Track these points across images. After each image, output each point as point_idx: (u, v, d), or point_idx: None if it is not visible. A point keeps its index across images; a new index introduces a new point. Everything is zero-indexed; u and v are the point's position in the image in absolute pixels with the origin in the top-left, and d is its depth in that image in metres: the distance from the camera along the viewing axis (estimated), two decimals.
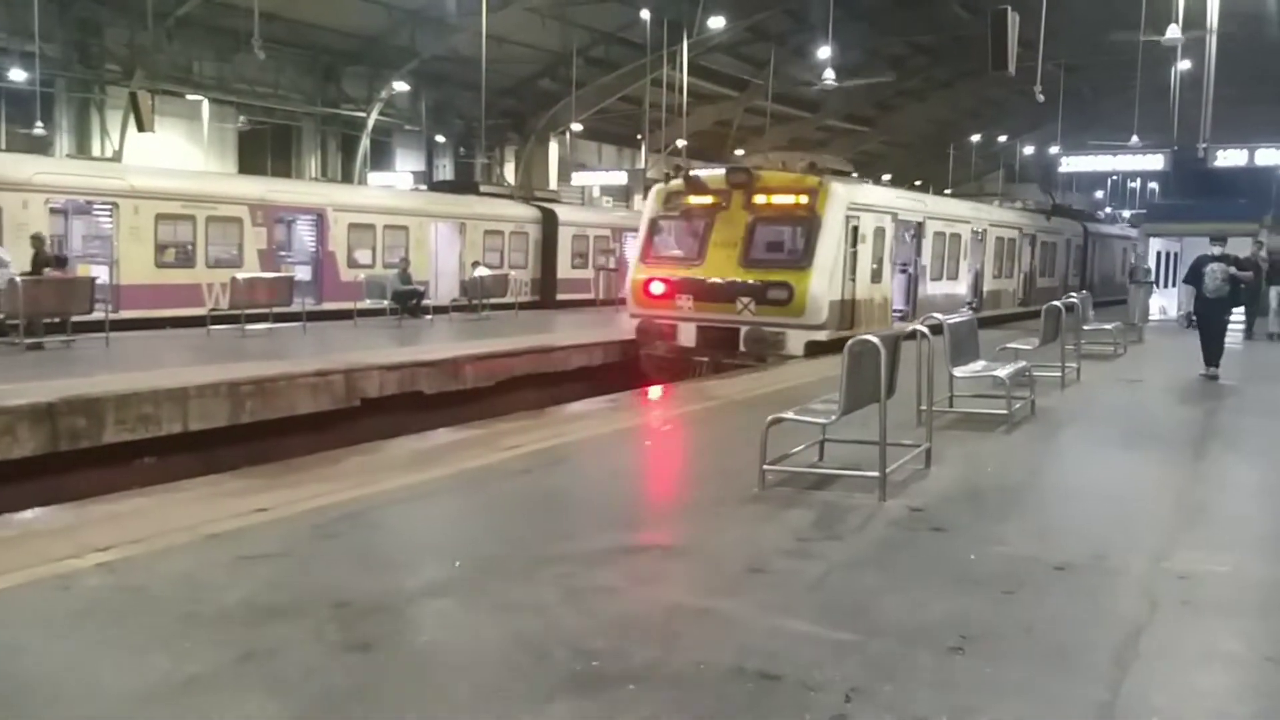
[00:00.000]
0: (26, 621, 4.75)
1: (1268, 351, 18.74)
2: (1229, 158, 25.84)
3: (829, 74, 31.75)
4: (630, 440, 9.68)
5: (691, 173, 19.18)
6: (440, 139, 42.91)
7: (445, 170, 42.93)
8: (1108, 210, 59.71)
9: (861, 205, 18.67)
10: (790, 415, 7.56)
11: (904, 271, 21.23)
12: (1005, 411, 10.34)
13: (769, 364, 16.53)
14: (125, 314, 18.46)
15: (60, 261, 17.09)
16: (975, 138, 61.72)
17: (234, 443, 11.67)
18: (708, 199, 18.21)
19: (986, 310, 24.40)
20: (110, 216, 19.62)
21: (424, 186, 34.56)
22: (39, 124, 27.93)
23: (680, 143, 39.88)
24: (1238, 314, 17.40)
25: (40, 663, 4.27)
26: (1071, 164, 33.99)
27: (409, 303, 22.07)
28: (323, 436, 11.85)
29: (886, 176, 41.16)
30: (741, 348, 17.39)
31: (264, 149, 36.69)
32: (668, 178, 19.27)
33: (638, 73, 38.91)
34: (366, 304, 21.72)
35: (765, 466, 7.36)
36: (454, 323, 22.19)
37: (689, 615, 4.96)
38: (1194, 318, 15.18)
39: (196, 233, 20.85)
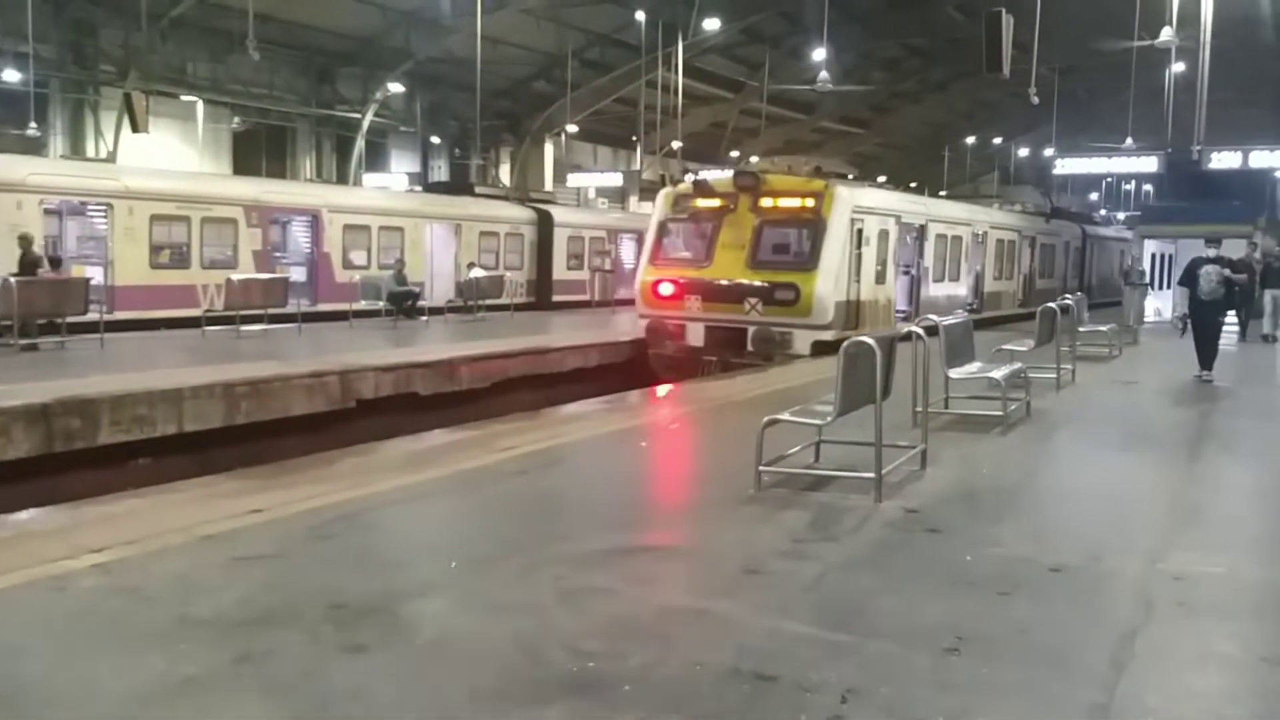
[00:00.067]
0: (22, 622, 4.74)
1: (1261, 354, 18.79)
2: (1223, 160, 25.88)
3: (824, 76, 31.80)
4: (626, 441, 9.67)
5: (699, 176, 19.65)
6: (435, 140, 42.87)
7: (440, 172, 42.88)
8: (1103, 212, 59.81)
9: (866, 208, 18.99)
10: (786, 416, 7.56)
11: (907, 273, 21.54)
12: (1001, 413, 10.36)
13: (775, 363, 16.77)
14: (120, 315, 18.41)
15: (55, 262, 17.02)
16: (970, 140, 61.78)
17: (229, 444, 11.65)
18: (715, 202, 18.64)
19: (987, 311, 24.75)
20: (105, 217, 19.58)
21: (419, 188, 34.55)
22: (33, 125, 27.86)
23: (675, 144, 39.87)
24: (1231, 316, 17.45)
25: (35, 664, 4.26)
26: (1066, 166, 34.04)
27: (404, 304, 22.05)
28: (318, 438, 11.83)
29: (882, 178, 41.11)
30: (749, 347, 17.72)
31: (259, 150, 36.63)
32: (664, 179, 19.52)
33: (633, 74, 38.91)
34: (362, 305, 21.70)
35: (761, 468, 7.37)
36: (449, 324, 22.19)
37: (685, 616, 4.96)
38: (1188, 320, 15.19)
39: (191, 234, 20.82)
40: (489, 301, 24.36)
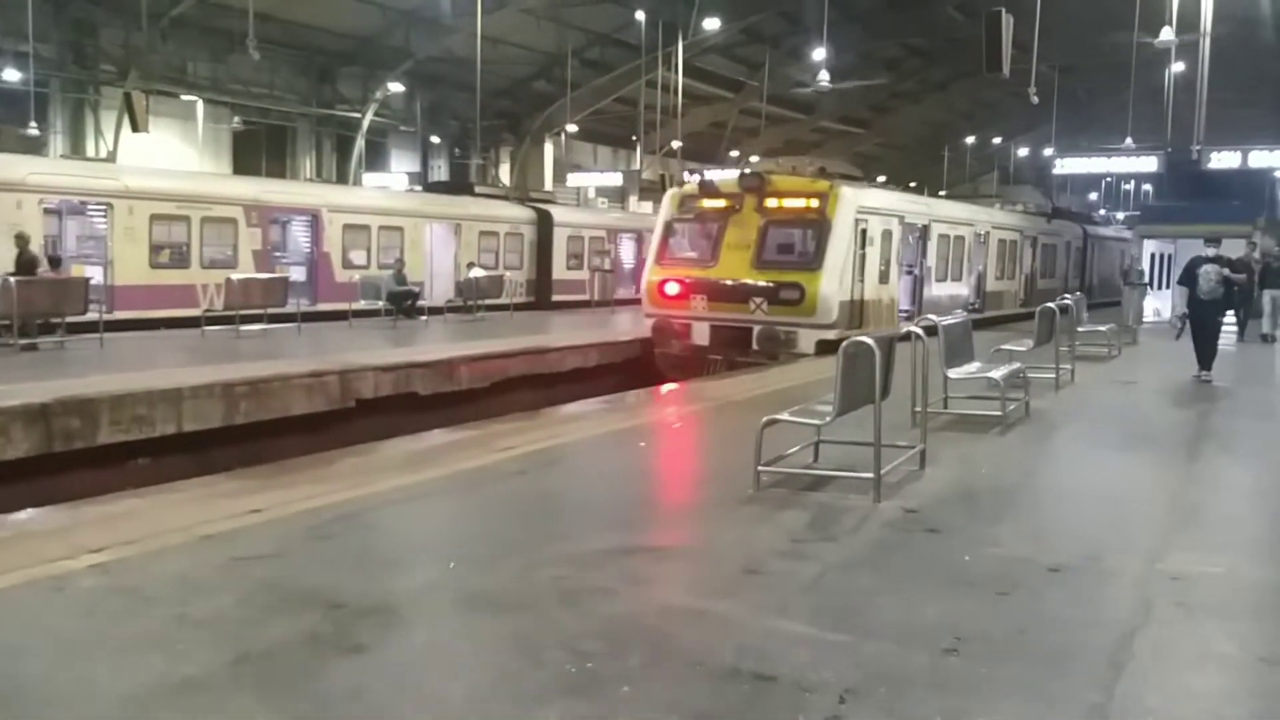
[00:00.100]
0: (21, 622, 4.74)
1: (1260, 354, 18.79)
2: (1223, 160, 25.92)
3: (824, 76, 31.82)
4: (626, 441, 9.67)
5: (705, 178, 19.94)
6: (435, 140, 42.86)
7: (440, 171, 42.88)
8: (1102, 212, 59.81)
9: (870, 209, 19.16)
10: (785, 416, 7.56)
11: (910, 273, 21.70)
12: (1000, 413, 10.37)
13: (780, 362, 16.96)
14: (120, 315, 18.40)
15: (54, 262, 17.01)
16: (970, 139, 61.77)
17: (228, 444, 11.65)
18: (721, 203, 18.86)
19: (989, 311, 24.88)
20: (105, 217, 19.58)
21: (419, 187, 34.54)
22: (33, 124, 27.84)
23: (675, 144, 39.87)
24: (1230, 316, 17.46)
25: (35, 664, 4.26)
26: (1066, 166, 34.07)
27: (404, 304, 22.05)
28: (317, 437, 11.84)
29: (881, 178, 41.18)
30: (754, 346, 17.92)
31: (259, 150, 36.62)
32: (664, 179, 19.71)
33: (633, 74, 38.90)
34: (361, 305, 21.70)
35: (760, 468, 7.37)
36: (449, 324, 22.19)
37: (684, 616, 4.97)
38: (1186, 321, 15.16)
39: (191, 233, 20.81)
40: (488, 301, 24.36)
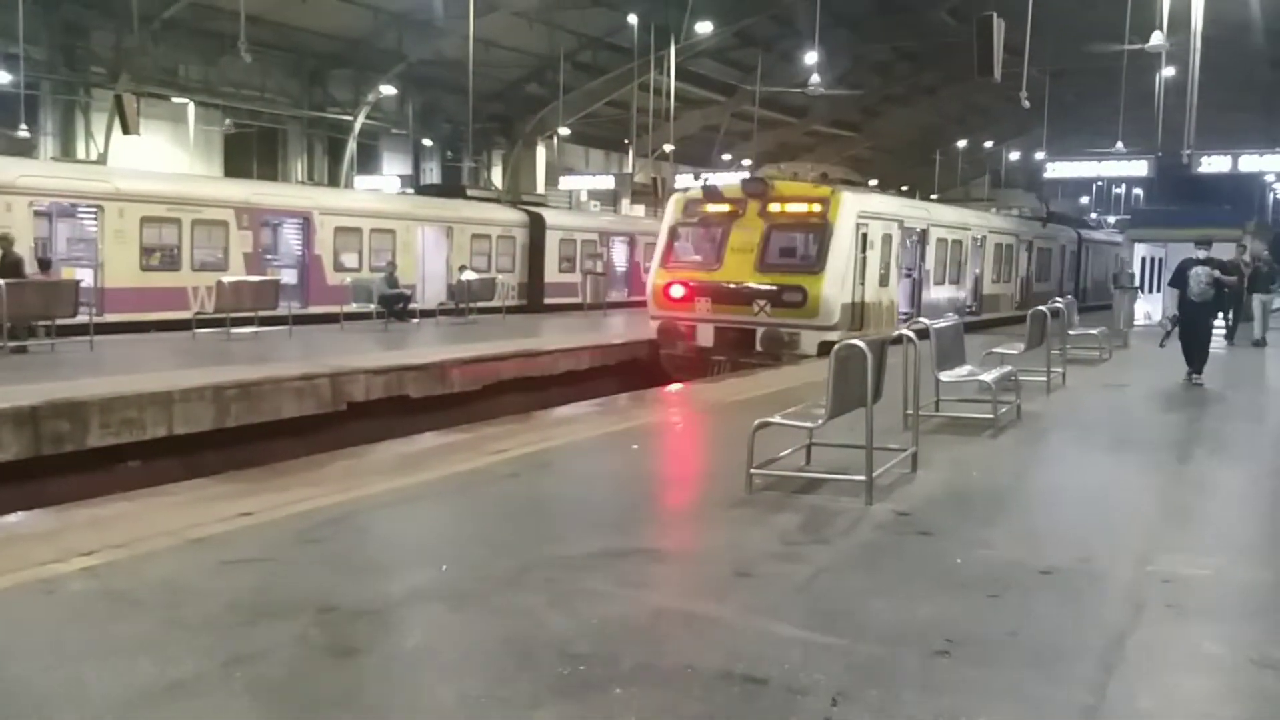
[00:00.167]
0: (10, 626, 4.72)
1: (1251, 357, 18.85)
2: (1213, 164, 26.04)
3: (815, 79, 31.90)
4: (618, 444, 9.66)
5: (709, 183, 20.68)
6: (427, 143, 42.85)
7: (432, 174, 42.87)
8: (1093, 216, 60.01)
9: (870, 213, 19.54)
10: (777, 419, 7.57)
11: (909, 276, 22.07)
12: (991, 416, 10.38)
13: (784, 362, 17.28)
14: (110, 317, 18.35)
15: (44, 264, 16.93)
16: (961, 143, 61.95)
17: (219, 447, 11.62)
18: (725, 207, 19.30)
19: (985, 313, 25.27)
20: (95, 219, 19.52)
21: (411, 190, 34.51)
22: (23, 126, 27.74)
23: (667, 148, 39.91)
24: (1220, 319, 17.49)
25: (24, 667, 4.24)
26: (1056, 170, 34.19)
27: (395, 306, 22.03)
28: (308, 441, 11.81)
29: (873, 182, 41.22)
30: (758, 347, 18.28)
31: (250, 152, 36.57)
32: (656, 183, 20.00)
33: (625, 77, 38.95)
34: (353, 308, 21.67)
35: (752, 470, 7.37)
36: (440, 326, 22.16)
37: (676, 619, 4.96)
38: (1174, 324, 15.17)
39: (182, 236, 20.76)
40: (480, 304, 24.34)
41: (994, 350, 13.20)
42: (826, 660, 4.38)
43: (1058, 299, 16.92)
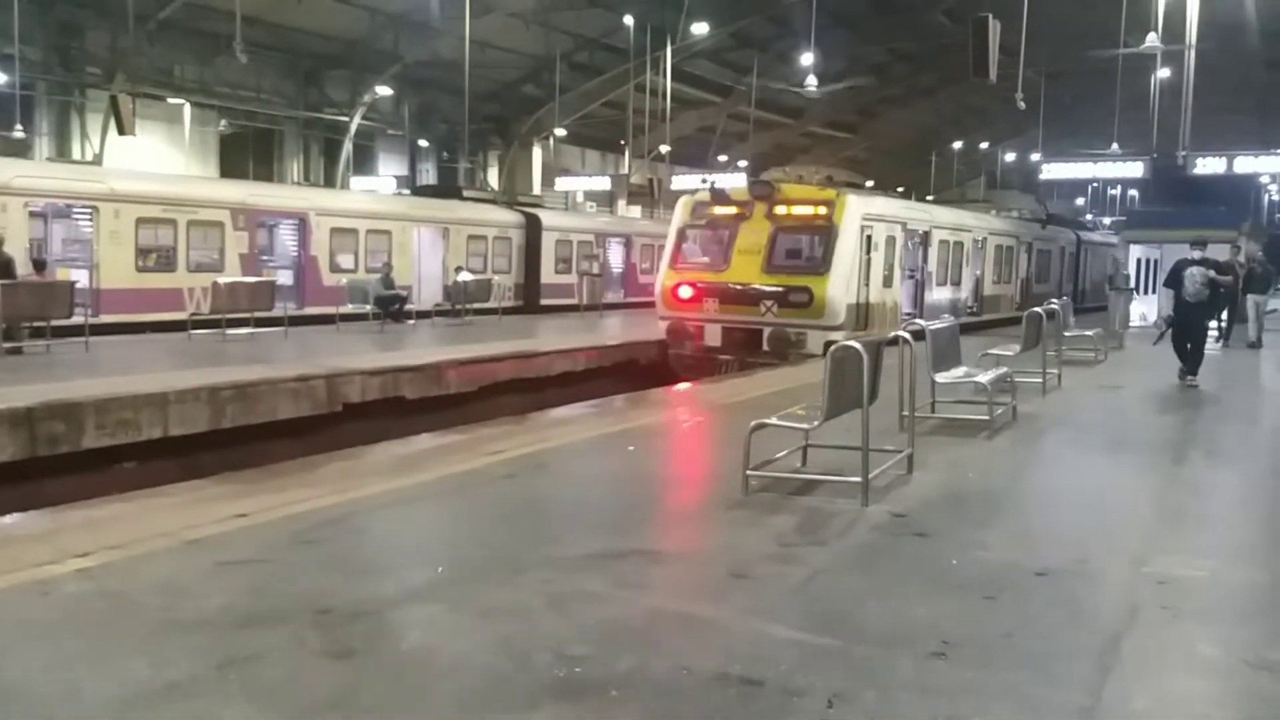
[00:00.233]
0: (5, 627, 4.70)
1: (1245, 358, 18.88)
2: (1208, 166, 26.08)
3: (811, 80, 31.93)
4: (614, 445, 9.66)
5: (716, 185, 21.24)
6: (423, 143, 42.82)
7: (428, 175, 42.83)
8: (1089, 217, 60.09)
9: (874, 216, 19.89)
10: (773, 421, 7.57)
11: (911, 277, 22.40)
12: (987, 417, 10.39)
13: (790, 362, 17.65)
14: (105, 318, 18.32)
15: (39, 265, 16.90)
16: (957, 144, 62.04)
17: (215, 448, 11.60)
18: (732, 210, 19.65)
19: (986, 314, 25.70)
20: (90, 220, 19.49)
21: (407, 191, 34.48)
22: (18, 127, 27.74)
23: (664, 148, 39.92)
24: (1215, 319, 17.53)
25: (19, 668, 4.23)
26: (1052, 171, 34.26)
27: (391, 308, 22.01)
28: (304, 442, 11.80)
29: (869, 183, 41.23)
30: (765, 347, 18.58)
31: (246, 153, 36.54)
32: (651, 184, 20.26)
33: (621, 78, 38.96)
34: (349, 309, 21.65)
35: (748, 472, 7.37)
36: (437, 328, 22.15)
37: (672, 620, 4.96)
38: (1169, 324, 15.18)
39: (177, 237, 20.75)
40: (477, 305, 24.34)
41: (990, 351, 13.22)
42: (822, 662, 4.39)
43: (1053, 300, 16.96)
